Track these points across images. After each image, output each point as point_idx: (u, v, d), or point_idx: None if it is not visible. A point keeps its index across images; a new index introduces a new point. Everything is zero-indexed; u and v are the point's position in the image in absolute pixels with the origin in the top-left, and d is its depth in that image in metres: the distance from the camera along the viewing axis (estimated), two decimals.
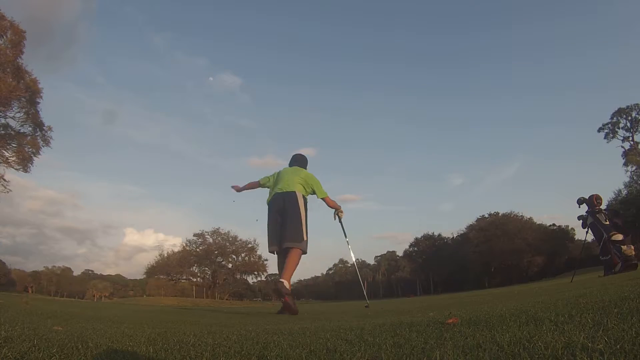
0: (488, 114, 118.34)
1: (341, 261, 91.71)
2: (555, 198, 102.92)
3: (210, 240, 55.33)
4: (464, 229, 61.70)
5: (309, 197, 4.99)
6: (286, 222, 4.59)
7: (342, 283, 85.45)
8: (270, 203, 4.86)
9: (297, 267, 4.46)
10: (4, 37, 23.53)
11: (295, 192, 4.74)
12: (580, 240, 36.49)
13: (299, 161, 5.30)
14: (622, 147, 43.02)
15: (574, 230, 55.15)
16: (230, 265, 56.73)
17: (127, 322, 2.88)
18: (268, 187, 5.16)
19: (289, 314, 4.22)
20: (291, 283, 4.44)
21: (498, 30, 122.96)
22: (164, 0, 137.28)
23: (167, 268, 54.02)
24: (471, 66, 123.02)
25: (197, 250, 54.66)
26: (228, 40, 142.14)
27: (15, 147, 25.33)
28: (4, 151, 25.09)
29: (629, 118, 42.96)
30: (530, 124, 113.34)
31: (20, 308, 3.72)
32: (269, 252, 4.72)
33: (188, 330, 2.05)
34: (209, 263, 55.06)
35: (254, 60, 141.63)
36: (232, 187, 5.42)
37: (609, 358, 0.88)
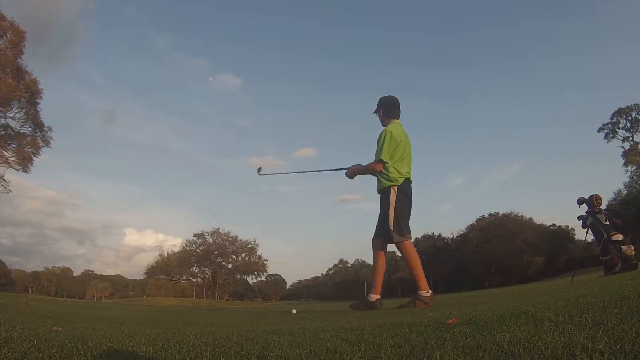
0: (488, 114, 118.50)
1: (341, 261, 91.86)
2: (555, 198, 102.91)
3: (210, 240, 55.37)
4: (464, 229, 61.68)
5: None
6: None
7: (342, 283, 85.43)
8: (406, 188, 4.38)
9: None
10: (4, 37, 23.55)
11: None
12: (580, 240, 36.47)
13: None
14: (622, 147, 43.08)
15: (574, 230, 55.08)
16: (230, 266, 56.74)
17: (127, 322, 2.88)
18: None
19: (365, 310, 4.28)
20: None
21: (498, 30, 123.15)
22: (164, 0, 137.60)
23: (167, 268, 54.03)
24: (471, 66, 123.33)
25: (197, 250, 54.65)
26: (228, 40, 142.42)
27: (15, 147, 25.35)
28: (4, 151, 25.11)
29: (629, 118, 42.98)
30: (530, 124, 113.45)
31: (20, 308, 3.72)
32: (407, 239, 4.28)
33: (188, 330, 2.05)
34: (209, 263, 55.04)
35: (254, 61, 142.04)
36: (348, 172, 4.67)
37: (609, 358, 0.88)
